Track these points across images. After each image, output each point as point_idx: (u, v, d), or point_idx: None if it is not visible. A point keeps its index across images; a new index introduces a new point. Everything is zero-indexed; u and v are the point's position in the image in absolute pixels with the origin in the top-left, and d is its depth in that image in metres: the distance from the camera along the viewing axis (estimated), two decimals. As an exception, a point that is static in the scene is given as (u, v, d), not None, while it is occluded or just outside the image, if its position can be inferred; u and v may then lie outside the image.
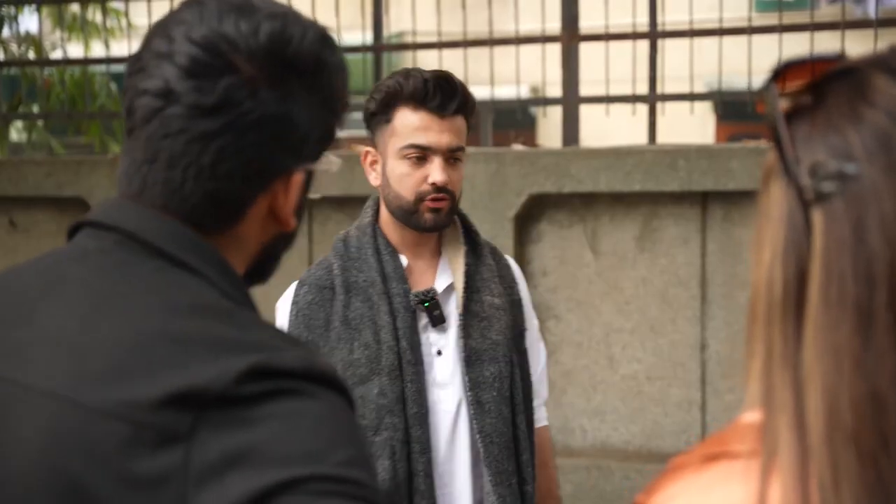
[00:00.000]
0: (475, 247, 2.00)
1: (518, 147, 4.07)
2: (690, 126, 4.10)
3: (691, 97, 3.88)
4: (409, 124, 1.88)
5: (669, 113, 3.99)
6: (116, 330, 0.88)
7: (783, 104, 0.72)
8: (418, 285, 1.95)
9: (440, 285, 1.95)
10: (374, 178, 1.98)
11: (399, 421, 1.86)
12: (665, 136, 4.13)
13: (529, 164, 3.59)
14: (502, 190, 3.60)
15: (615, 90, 3.92)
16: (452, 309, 1.96)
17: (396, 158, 1.90)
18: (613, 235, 3.63)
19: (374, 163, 1.97)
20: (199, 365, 0.83)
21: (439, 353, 1.93)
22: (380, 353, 1.88)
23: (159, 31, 0.96)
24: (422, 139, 1.87)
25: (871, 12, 5.96)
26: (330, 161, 1.03)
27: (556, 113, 4.17)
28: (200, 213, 0.95)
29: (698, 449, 0.75)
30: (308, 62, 0.96)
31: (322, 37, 0.99)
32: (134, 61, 0.97)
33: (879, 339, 0.66)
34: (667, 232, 3.59)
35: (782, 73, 0.73)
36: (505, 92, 4.35)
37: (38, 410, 0.87)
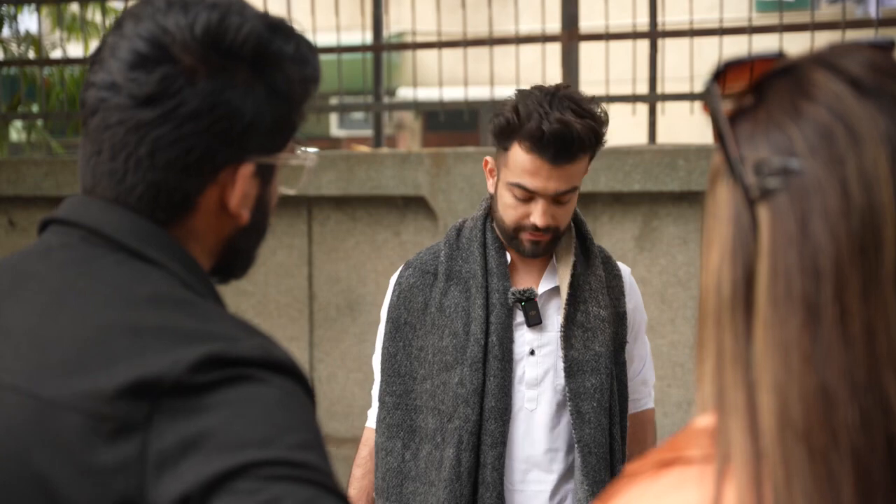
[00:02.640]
0: (587, 255, 2.00)
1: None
2: (690, 126, 4.09)
3: (691, 97, 3.87)
4: (520, 164, 1.87)
5: (669, 113, 3.98)
6: (75, 323, 0.89)
7: (726, 105, 0.72)
8: (521, 284, 1.97)
9: (543, 287, 1.97)
10: (490, 186, 2.00)
11: (472, 412, 1.89)
12: (665, 137, 4.13)
13: (529, 164, 3.58)
14: (502, 190, 3.60)
15: (615, 90, 3.91)
16: (552, 312, 1.97)
17: (505, 188, 1.91)
18: (613, 235, 3.62)
19: (492, 171, 1.99)
20: (155, 355, 0.84)
21: (532, 352, 1.95)
22: (467, 344, 1.91)
23: (116, 26, 0.99)
24: (529, 183, 1.86)
25: (872, 12, 5.95)
26: (304, 155, 1.03)
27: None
28: (146, 205, 0.96)
29: (652, 455, 0.74)
30: (250, 51, 0.96)
31: (270, 26, 0.99)
32: (94, 56, 0.99)
33: (827, 333, 0.65)
34: (666, 232, 3.59)
35: (723, 73, 0.72)
36: (505, 92, 4.35)
37: (0, 404, 0.88)
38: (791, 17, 3.77)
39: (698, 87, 3.87)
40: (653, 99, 3.99)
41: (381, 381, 2.02)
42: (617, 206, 3.62)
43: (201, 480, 0.79)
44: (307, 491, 0.80)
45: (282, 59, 0.99)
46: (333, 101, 5.12)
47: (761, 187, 0.68)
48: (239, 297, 3.94)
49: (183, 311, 0.90)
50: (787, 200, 0.67)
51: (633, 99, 3.95)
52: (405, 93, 4.19)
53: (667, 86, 4.02)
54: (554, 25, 3.96)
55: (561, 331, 1.93)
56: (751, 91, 0.73)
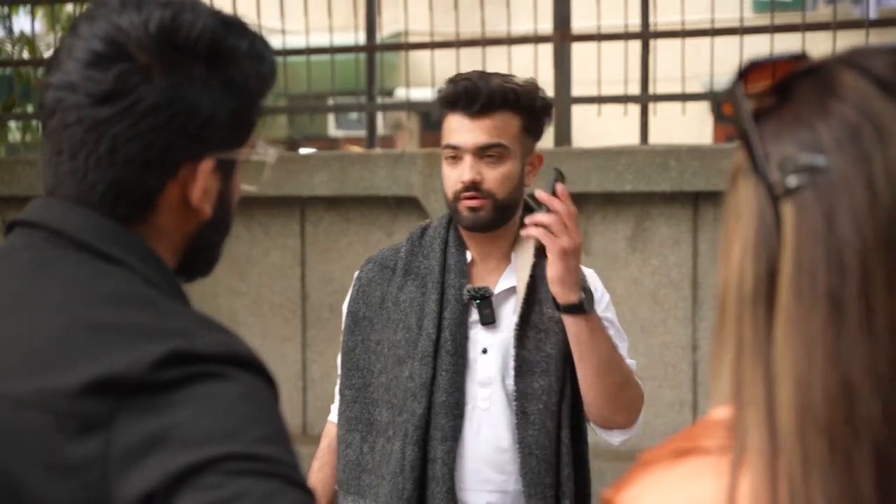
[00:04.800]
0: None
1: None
2: (683, 126, 4.10)
3: (683, 97, 3.88)
4: (446, 126, 1.95)
5: (661, 113, 3.99)
6: (37, 323, 0.90)
7: (749, 103, 0.73)
8: (479, 282, 1.98)
9: (500, 286, 1.96)
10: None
11: (419, 406, 1.89)
12: (657, 137, 4.13)
13: (521, 164, 3.59)
14: (494, 190, 3.60)
15: (607, 90, 3.92)
16: (508, 312, 1.97)
17: (443, 160, 1.97)
18: (605, 236, 3.63)
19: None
20: (116, 352, 0.85)
21: (484, 351, 1.94)
22: (418, 339, 1.92)
23: (72, 27, 1.00)
24: (452, 139, 1.92)
25: (871, 12, 5.96)
26: (265, 152, 1.05)
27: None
28: (109, 203, 0.97)
29: (668, 444, 0.75)
30: (204, 48, 0.98)
31: (224, 23, 1.00)
32: (52, 57, 1.01)
33: (852, 327, 0.66)
34: (658, 232, 3.59)
35: (747, 73, 0.74)
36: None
37: None
38: (790, 18, 3.78)
39: (690, 88, 3.88)
40: (645, 99, 3.99)
41: (341, 375, 2.05)
42: (609, 207, 3.63)
43: (166, 476, 0.80)
44: (271, 484, 0.81)
45: (236, 55, 1.00)
46: (329, 101, 5.13)
47: (786, 184, 0.69)
48: (232, 297, 3.95)
49: (144, 309, 0.91)
50: (813, 197, 0.68)
51: (625, 99, 3.96)
52: (400, 93, 4.20)
53: (659, 86, 4.03)
54: (546, 26, 3.96)
55: (515, 330, 1.93)
56: (774, 91, 0.74)
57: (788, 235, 0.69)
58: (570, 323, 1.84)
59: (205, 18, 0.98)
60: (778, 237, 0.69)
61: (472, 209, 1.91)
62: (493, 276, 1.98)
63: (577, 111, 4.01)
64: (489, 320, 1.94)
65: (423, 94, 4.37)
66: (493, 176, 1.91)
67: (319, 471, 2.11)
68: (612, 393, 1.89)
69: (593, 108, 3.98)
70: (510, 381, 1.93)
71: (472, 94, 1.89)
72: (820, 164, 0.69)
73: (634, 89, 4.01)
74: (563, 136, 3.96)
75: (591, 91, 3.95)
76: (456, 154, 1.92)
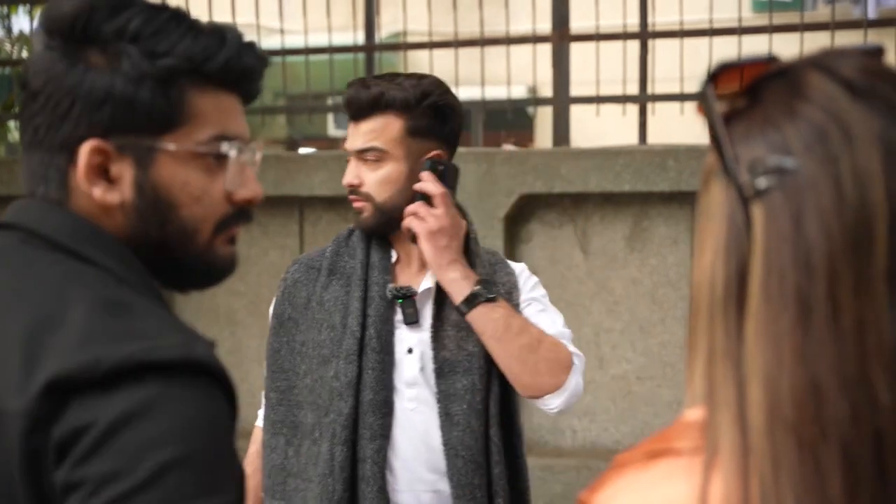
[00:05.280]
0: (468, 254, 1.98)
1: (508, 147, 4.07)
2: (681, 127, 4.11)
3: (681, 97, 3.88)
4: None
5: (660, 113, 3.99)
6: (11, 324, 0.91)
7: (720, 105, 0.73)
8: (404, 282, 1.96)
9: (423, 286, 1.95)
10: None
11: (346, 405, 1.87)
12: (655, 137, 4.14)
13: (519, 164, 3.60)
14: (492, 190, 3.61)
15: (606, 90, 3.92)
16: (431, 312, 1.96)
17: None
18: (603, 236, 3.63)
19: None
20: (77, 355, 0.87)
21: (410, 351, 1.93)
22: (343, 337, 1.91)
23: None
24: (346, 144, 1.95)
25: (870, 12, 5.97)
26: (229, 147, 1.04)
27: (549, 113, 4.17)
28: (58, 196, 1.01)
29: (641, 446, 0.76)
30: (78, 31, 1.00)
31: (106, 3, 1.00)
32: None
33: (819, 327, 0.67)
34: (657, 232, 3.60)
35: (717, 75, 0.74)
36: (498, 92, 4.36)
37: None
38: (788, 18, 3.78)
39: (688, 88, 3.88)
40: (643, 99, 4.00)
41: (266, 378, 2.02)
42: (608, 207, 3.63)
43: (76, 477, 0.83)
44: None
45: (120, 37, 1.00)
46: (328, 101, 5.13)
47: (755, 186, 0.69)
48: (231, 297, 3.95)
49: (112, 311, 0.92)
50: (781, 198, 0.68)
51: (624, 99, 3.96)
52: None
53: (657, 86, 4.03)
54: (545, 26, 3.97)
55: (430, 331, 1.92)
56: (745, 93, 0.74)
57: (758, 237, 0.69)
58: (474, 319, 1.87)
59: (79, 1, 1.00)
60: (748, 239, 0.70)
61: (357, 213, 1.94)
62: (417, 276, 1.97)
63: (576, 111, 4.01)
64: (412, 320, 1.93)
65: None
66: (372, 179, 1.91)
67: (251, 478, 2.07)
68: (521, 356, 1.88)
69: (592, 107, 3.98)
70: (434, 382, 1.92)
71: (351, 101, 1.92)
72: (788, 166, 0.69)
73: (633, 89, 4.01)
74: (562, 136, 3.96)
75: (590, 91, 3.95)
76: (349, 158, 1.95)
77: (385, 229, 1.95)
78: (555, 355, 1.91)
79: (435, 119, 1.93)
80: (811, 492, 0.66)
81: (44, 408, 0.85)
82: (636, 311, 3.60)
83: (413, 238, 1.91)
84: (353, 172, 1.92)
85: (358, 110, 1.91)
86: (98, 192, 0.99)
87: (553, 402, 1.93)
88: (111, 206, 1.00)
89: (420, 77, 1.96)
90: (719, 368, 0.71)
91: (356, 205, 1.93)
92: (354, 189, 1.92)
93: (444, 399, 1.90)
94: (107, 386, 0.85)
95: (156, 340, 0.89)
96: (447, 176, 1.92)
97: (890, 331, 0.66)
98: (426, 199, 1.89)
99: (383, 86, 1.90)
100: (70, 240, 0.97)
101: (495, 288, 1.93)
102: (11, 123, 5.48)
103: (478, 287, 1.87)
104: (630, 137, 4.24)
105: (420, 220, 1.88)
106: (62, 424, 0.85)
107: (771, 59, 0.76)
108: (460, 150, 3.72)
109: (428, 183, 1.89)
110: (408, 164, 1.91)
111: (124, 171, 0.99)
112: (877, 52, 0.74)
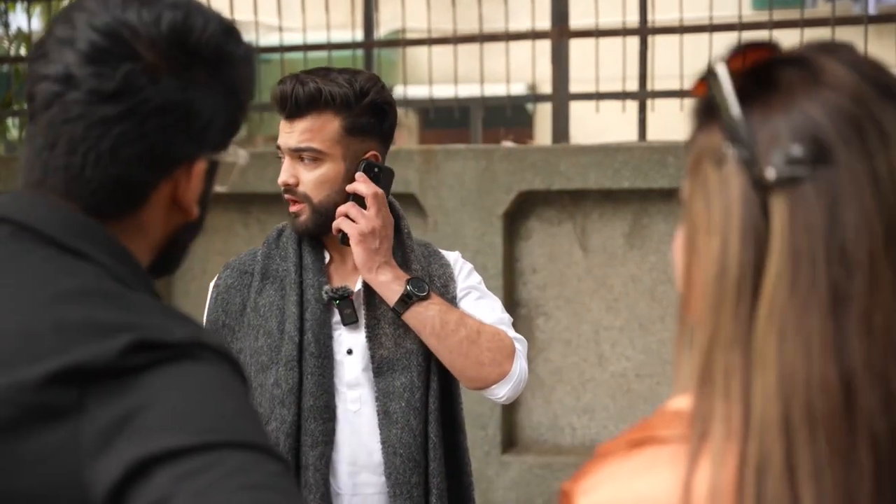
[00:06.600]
0: (402, 250, 1.96)
1: (508, 144, 4.06)
2: (681, 123, 4.09)
3: (681, 94, 3.87)
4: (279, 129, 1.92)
5: (659, 110, 3.98)
6: (2, 319, 0.89)
7: (733, 86, 0.72)
8: (339, 282, 1.93)
9: (359, 285, 1.91)
10: None
11: (288, 413, 1.84)
12: (655, 134, 4.13)
13: (518, 161, 3.59)
14: (491, 187, 3.60)
15: (605, 87, 3.91)
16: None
17: None
18: (603, 232, 3.62)
19: None
20: (83, 346, 0.85)
21: (350, 352, 1.90)
22: (281, 343, 1.87)
23: (63, 18, 0.98)
24: (279, 140, 1.90)
25: (869, 9, 5.96)
26: (237, 154, 1.05)
27: (548, 110, 4.16)
28: (100, 199, 0.97)
29: (625, 435, 0.75)
30: (210, 52, 0.98)
31: (226, 28, 1.00)
32: (37, 48, 0.99)
33: (853, 323, 0.66)
34: (656, 229, 3.59)
35: (739, 54, 0.73)
36: (497, 89, 4.35)
37: None
38: (787, 14, 3.77)
39: (688, 85, 3.86)
40: (643, 96, 3.99)
41: None
42: (607, 204, 3.62)
43: (143, 454, 0.80)
44: (246, 455, 0.82)
45: (235, 60, 1.01)
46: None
47: (780, 175, 0.68)
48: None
49: (110, 304, 0.90)
50: (812, 190, 0.67)
51: (623, 96, 3.95)
52: (398, 91, 4.20)
53: (657, 83, 4.02)
54: (544, 23, 3.96)
55: (366, 330, 1.89)
56: (750, 77, 0.73)
57: (780, 226, 0.68)
58: (410, 319, 1.85)
59: (213, 23, 0.99)
60: (766, 227, 0.68)
61: (294, 214, 1.89)
62: (352, 276, 1.93)
63: (575, 108, 4.00)
64: (351, 320, 1.89)
65: (422, 91, 4.36)
66: (309, 178, 1.87)
67: None
68: (462, 349, 1.86)
69: (591, 104, 3.97)
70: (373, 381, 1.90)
71: (284, 98, 1.86)
72: (825, 158, 0.68)
73: (633, 86, 4.00)
74: (561, 133, 3.96)
75: (590, 88, 3.94)
76: (281, 155, 1.90)
77: (322, 230, 1.91)
78: (496, 344, 1.90)
79: (373, 117, 1.90)
80: (837, 486, 0.65)
81: (55, 399, 0.83)
82: (636, 309, 3.59)
83: (343, 239, 1.87)
84: (289, 171, 1.87)
85: (294, 108, 1.85)
86: (197, 209, 1.02)
87: (500, 392, 1.92)
88: (185, 221, 1.02)
89: (354, 72, 1.92)
90: (721, 356, 0.70)
91: (294, 207, 1.88)
92: (291, 189, 1.87)
93: (383, 397, 1.88)
94: (130, 371, 0.84)
95: (163, 328, 0.88)
96: (382, 178, 1.89)
97: None
98: (358, 199, 1.86)
99: (320, 82, 1.86)
100: (63, 234, 0.95)
101: (429, 283, 1.91)
102: (10, 121, 5.47)
103: (409, 287, 1.85)
104: (630, 134, 4.23)
105: (351, 221, 1.84)
106: (95, 416, 0.82)
107: (772, 46, 0.75)
108: (460, 146, 3.73)
109: (360, 184, 1.85)
110: (345, 163, 1.88)
111: (198, 184, 1.01)
112: (855, 51, 0.74)
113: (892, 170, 0.67)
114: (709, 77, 0.72)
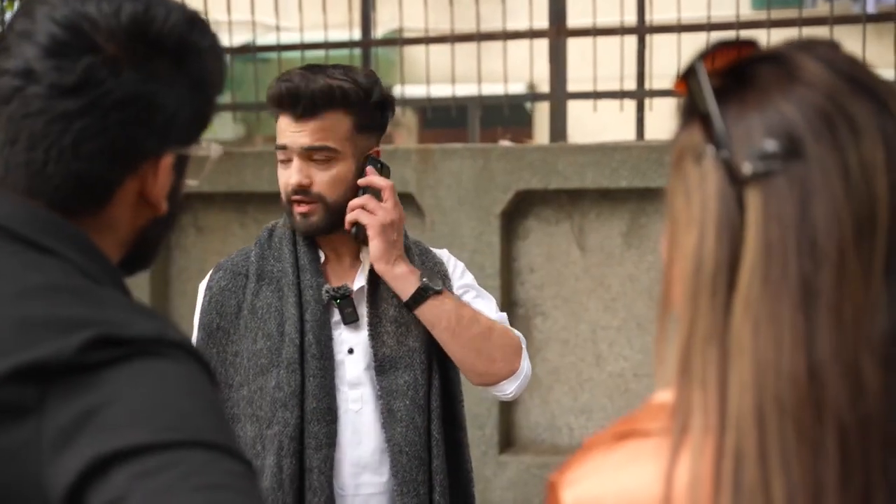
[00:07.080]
0: None
1: (505, 143, 4.06)
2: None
3: (679, 94, 3.86)
4: (278, 127, 1.88)
5: (657, 109, 3.98)
6: None
7: (711, 83, 0.72)
8: (336, 281, 1.91)
9: (358, 284, 1.91)
10: None
11: (291, 416, 1.82)
12: (653, 133, 4.12)
13: (516, 160, 3.58)
14: (489, 186, 3.59)
15: (603, 86, 3.91)
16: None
17: (277, 162, 1.90)
18: (600, 232, 3.62)
19: None
20: (44, 342, 0.83)
21: (351, 351, 1.89)
22: (282, 345, 1.85)
23: (23, 11, 0.96)
24: (282, 139, 1.86)
25: (868, 8, 5.96)
26: (209, 147, 1.03)
27: (546, 109, 4.16)
28: (64, 195, 0.95)
29: (610, 428, 0.77)
30: (173, 43, 0.96)
31: (190, 19, 0.98)
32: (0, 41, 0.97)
33: (822, 314, 0.67)
34: (654, 228, 3.58)
35: (708, 56, 0.74)
36: (495, 88, 4.35)
37: None
38: (782, 14, 3.77)
39: (686, 84, 3.87)
40: (641, 95, 3.98)
41: None
42: (605, 203, 3.61)
43: (101, 453, 0.79)
44: (207, 454, 0.80)
45: (200, 52, 0.99)
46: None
47: (755, 169, 0.69)
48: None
49: (76, 300, 0.89)
50: (785, 184, 0.68)
51: (621, 95, 3.95)
52: (396, 90, 4.20)
53: (655, 82, 4.02)
54: (542, 22, 3.96)
55: (368, 328, 1.88)
56: (727, 74, 0.74)
57: (754, 219, 0.69)
58: (424, 313, 1.84)
59: (175, 14, 0.97)
60: (741, 221, 0.69)
61: (304, 215, 1.86)
62: (350, 274, 1.92)
63: (573, 107, 4.00)
64: (352, 319, 1.88)
65: (420, 90, 4.35)
66: (323, 179, 1.85)
67: None
68: (476, 345, 1.86)
69: (589, 103, 3.97)
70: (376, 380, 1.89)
71: (293, 96, 1.82)
72: (796, 152, 0.69)
73: (630, 85, 4.00)
74: (559, 132, 3.95)
75: (587, 87, 3.94)
76: (286, 156, 1.86)
77: (332, 229, 1.89)
78: (506, 341, 1.91)
79: (378, 113, 1.90)
80: (805, 475, 0.66)
81: (15, 396, 0.81)
82: (633, 308, 3.59)
83: (357, 234, 1.85)
84: (303, 172, 1.84)
85: (310, 106, 1.82)
86: (165, 204, 0.99)
87: (509, 388, 1.94)
88: (154, 216, 1.00)
89: (351, 69, 1.91)
90: (698, 348, 0.70)
91: (304, 207, 1.85)
92: (303, 189, 1.84)
93: (386, 396, 1.87)
94: (92, 368, 0.82)
95: (126, 324, 0.86)
96: (384, 173, 1.88)
97: (881, 320, 0.68)
98: (373, 192, 1.85)
99: (331, 80, 1.83)
100: (29, 230, 0.94)
101: (438, 279, 1.90)
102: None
103: (425, 280, 1.85)
104: (628, 133, 4.22)
105: (370, 213, 1.82)
106: (55, 413, 0.81)
107: (750, 44, 0.76)
108: (457, 146, 3.73)
109: (375, 177, 1.84)
110: (355, 161, 1.87)
111: (170, 181, 1.00)
112: (837, 47, 0.75)
113: (864, 163, 0.68)
114: (688, 75, 0.73)
